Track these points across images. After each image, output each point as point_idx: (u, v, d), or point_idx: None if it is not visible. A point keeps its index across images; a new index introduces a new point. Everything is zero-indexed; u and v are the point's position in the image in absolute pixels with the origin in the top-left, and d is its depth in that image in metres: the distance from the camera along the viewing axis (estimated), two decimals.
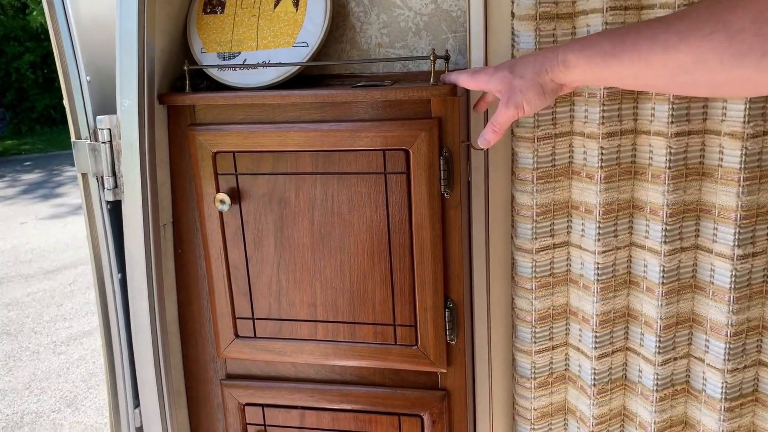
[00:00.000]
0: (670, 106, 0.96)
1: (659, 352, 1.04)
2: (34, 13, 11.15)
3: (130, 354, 1.18)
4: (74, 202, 8.00)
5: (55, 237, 6.67)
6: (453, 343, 1.09)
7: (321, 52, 1.11)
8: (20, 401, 3.72)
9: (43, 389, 3.84)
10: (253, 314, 1.15)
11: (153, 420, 1.18)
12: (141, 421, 1.20)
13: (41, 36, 11.68)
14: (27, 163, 10.47)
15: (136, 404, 1.20)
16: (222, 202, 1.08)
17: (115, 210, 1.13)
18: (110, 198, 1.11)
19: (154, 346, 1.15)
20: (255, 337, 1.16)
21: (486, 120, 1.09)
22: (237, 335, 1.16)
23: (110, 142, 1.09)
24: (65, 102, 1.12)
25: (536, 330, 1.12)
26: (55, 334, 4.56)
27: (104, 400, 3.77)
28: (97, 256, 1.16)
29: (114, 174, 1.10)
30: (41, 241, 6.54)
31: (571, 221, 1.09)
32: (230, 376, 1.21)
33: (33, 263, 5.94)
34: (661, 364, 1.05)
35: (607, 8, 0.96)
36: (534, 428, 1.16)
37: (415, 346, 1.10)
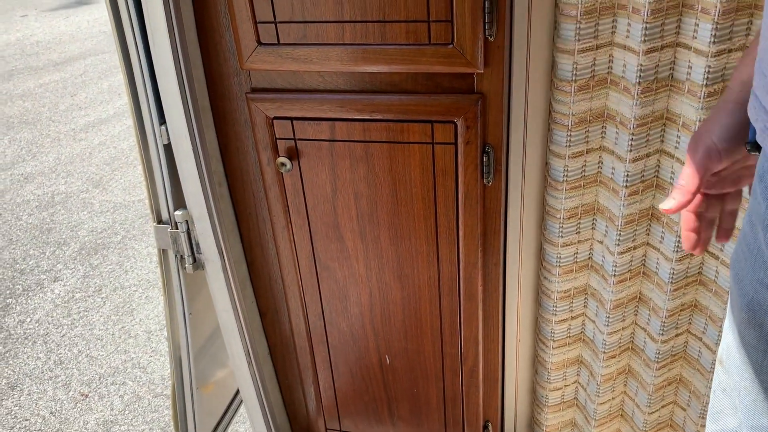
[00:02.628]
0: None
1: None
2: None
3: (150, 69, 1.13)
4: None
5: (58, 29, 6.44)
6: (492, 39, 1.02)
7: None
8: (48, 183, 3.82)
9: (69, 172, 3.92)
10: (275, 17, 1.07)
11: (181, 136, 1.16)
12: (168, 138, 1.18)
13: None
14: None
15: (162, 121, 1.17)
16: None
17: None
18: None
19: (174, 57, 1.09)
20: (278, 43, 1.09)
21: None
22: (259, 42, 1.10)
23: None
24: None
25: (581, 26, 1.03)
26: (72, 122, 4.56)
27: (129, 181, 3.87)
28: None
29: None
30: (45, 34, 6.33)
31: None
32: (255, 90, 1.17)
33: (40, 55, 5.80)
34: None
35: None
36: (570, 135, 1.12)
37: (451, 45, 1.03)
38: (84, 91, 5.06)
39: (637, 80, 1.03)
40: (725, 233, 0.78)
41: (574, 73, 1.07)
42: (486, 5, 0.99)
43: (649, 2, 0.95)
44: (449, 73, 1.07)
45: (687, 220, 0.75)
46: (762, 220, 0.56)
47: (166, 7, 1.05)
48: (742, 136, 0.66)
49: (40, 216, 3.44)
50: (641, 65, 0.99)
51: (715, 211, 0.76)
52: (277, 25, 1.08)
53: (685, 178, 0.69)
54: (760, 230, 0.56)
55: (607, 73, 1.10)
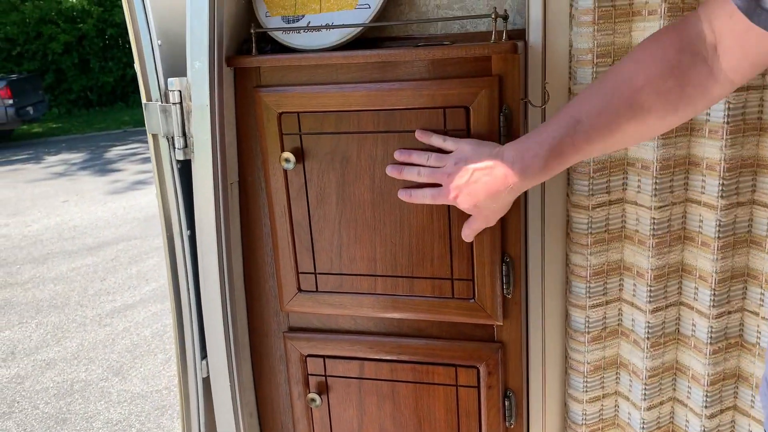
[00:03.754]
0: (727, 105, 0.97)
1: (714, 306, 1.07)
2: None
3: (198, 308, 1.24)
4: (113, 183, 8.18)
5: (95, 215, 6.84)
6: (509, 296, 1.13)
7: (381, 15, 1.15)
8: (69, 370, 3.87)
9: (90, 359, 3.98)
10: (315, 269, 1.20)
11: (220, 371, 1.24)
12: (208, 372, 1.26)
13: (76, 18, 11.88)
14: (65, 144, 10.71)
15: (204, 356, 1.26)
16: (287, 160, 1.13)
17: (185, 169, 1.18)
18: (180, 157, 1.16)
19: (222, 300, 1.21)
20: (317, 291, 1.21)
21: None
22: (300, 289, 1.22)
23: (180, 103, 1.14)
24: (136, 66, 1.17)
25: (590, 285, 1.15)
26: (99, 307, 4.70)
27: (149, 370, 3.90)
28: (167, 214, 1.22)
29: (184, 134, 1.15)
30: (82, 219, 6.71)
31: (627, 177, 1.12)
32: (292, 329, 1.27)
33: (76, 240, 6.10)
34: (716, 318, 1.07)
35: None
36: (587, 381, 1.19)
37: (472, 300, 1.14)
38: (113, 276, 5.26)
39: (646, 335, 1.12)
40: None
41: (587, 324, 1.17)
42: (503, 268, 1.11)
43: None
44: (471, 323, 1.17)
45: None
46: None
47: (219, 257, 1.19)
48: None
49: (57, 405, 3.44)
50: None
51: None
52: (317, 275, 1.20)
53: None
54: None
55: (618, 324, 1.19)
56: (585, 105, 0.86)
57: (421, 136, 1.05)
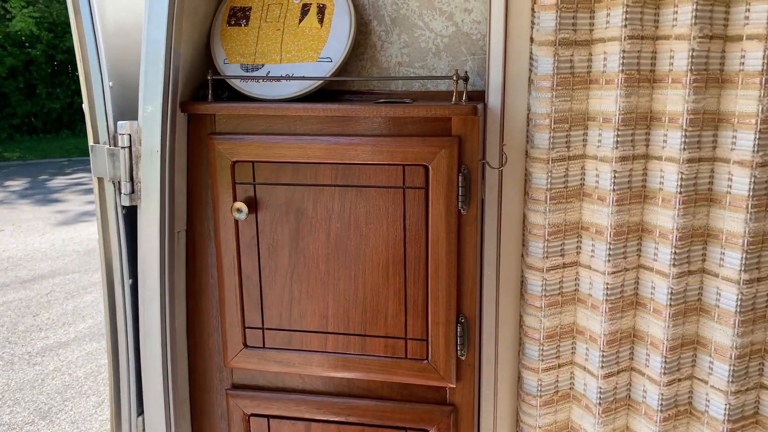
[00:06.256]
0: (683, 133, 0.99)
1: (664, 373, 1.07)
2: (15, 19, 11.09)
3: (137, 361, 1.17)
4: (54, 213, 7.89)
5: (32, 246, 6.55)
6: (463, 358, 1.11)
7: (342, 69, 1.13)
8: None
9: (16, 400, 3.75)
10: (263, 324, 1.15)
11: (157, 428, 1.17)
12: (143, 429, 1.19)
13: (24, 42, 11.61)
14: (5, 171, 10.31)
15: (140, 411, 1.19)
16: (239, 210, 1.09)
17: (130, 215, 1.13)
18: (126, 203, 1.11)
19: (163, 354, 1.14)
20: (264, 347, 1.16)
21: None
22: (246, 345, 1.17)
23: (130, 147, 1.09)
24: (85, 107, 1.12)
25: (544, 348, 1.14)
26: (30, 344, 4.46)
27: (80, 414, 3.71)
28: (109, 261, 1.16)
29: (131, 179, 1.10)
30: (18, 250, 6.42)
31: (581, 241, 1.12)
32: (236, 386, 1.21)
33: (9, 272, 5.82)
34: (666, 385, 1.07)
35: (625, 36, 0.99)
36: None
37: (426, 361, 1.11)
38: (47, 311, 5.02)
39: (598, 400, 1.11)
40: None
41: (539, 388, 1.16)
42: (458, 329, 1.09)
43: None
44: (423, 385, 1.14)
45: None
46: None
47: (162, 308, 1.13)
48: None
49: None
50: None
51: None
52: (265, 331, 1.16)
53: None
54: None
55: (570, 388, 1.18)
56: None
57: None
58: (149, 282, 1.12)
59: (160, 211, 1.10)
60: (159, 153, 1.07)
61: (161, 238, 1.10)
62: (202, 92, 1.14)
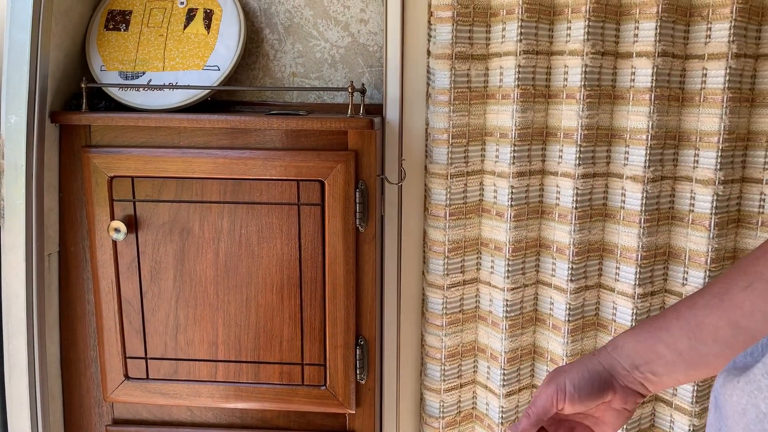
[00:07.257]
0: (577, 149, 1.00)
1: None
2: None
3: (2, 399, 1.05)
4: None
5: None
6: (363, 382, 1.06)
7: (232, 78, 1.07)
8: None
9: None
10: (146, 353, 1.06)
11: None
12: None
13: None
14: None
15: None
16: (117, 230, 1.00)
17: None
18: None
19: (31, 390, 1.03)
20: (147, 378, 1.07)
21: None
22: (127, 376, 1.07)
23: None
24: None
25: (445, 367, 1.11)
26: None
27: None
28: None
29: None
30: None
31: (481, 258, 1.10)
32: (117, 422, 1.11)
33: None
34: None
35: (520, 51, 0.99)
36: None
37: (323, 387, 1.05)
38: None
39: (500, 420, 1.09)
40: None
41: (441, 409, 1.12)
42: (357, 352, 1.04)
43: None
44: (322, 412, 1.08)
45: None
46: None
47: (29, 340, 1.01)
48: (592, 390, 0.68)
49: None
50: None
51: None
52: (148, 360, 1.06)
53: (533, 407, 0.70)
54: None
55: (472, 408, 1.16)
56: None
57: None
58: (15, 310, 1.01)
59: (26, 231, 0.99)
60: (24, 167, 0.97)
61: (27, 261, 0.99)
62: (75, 101, 1.04)
